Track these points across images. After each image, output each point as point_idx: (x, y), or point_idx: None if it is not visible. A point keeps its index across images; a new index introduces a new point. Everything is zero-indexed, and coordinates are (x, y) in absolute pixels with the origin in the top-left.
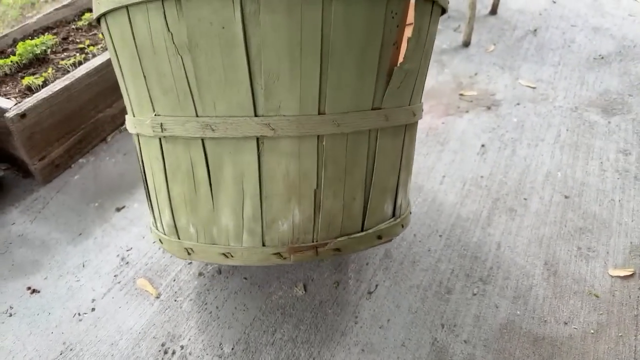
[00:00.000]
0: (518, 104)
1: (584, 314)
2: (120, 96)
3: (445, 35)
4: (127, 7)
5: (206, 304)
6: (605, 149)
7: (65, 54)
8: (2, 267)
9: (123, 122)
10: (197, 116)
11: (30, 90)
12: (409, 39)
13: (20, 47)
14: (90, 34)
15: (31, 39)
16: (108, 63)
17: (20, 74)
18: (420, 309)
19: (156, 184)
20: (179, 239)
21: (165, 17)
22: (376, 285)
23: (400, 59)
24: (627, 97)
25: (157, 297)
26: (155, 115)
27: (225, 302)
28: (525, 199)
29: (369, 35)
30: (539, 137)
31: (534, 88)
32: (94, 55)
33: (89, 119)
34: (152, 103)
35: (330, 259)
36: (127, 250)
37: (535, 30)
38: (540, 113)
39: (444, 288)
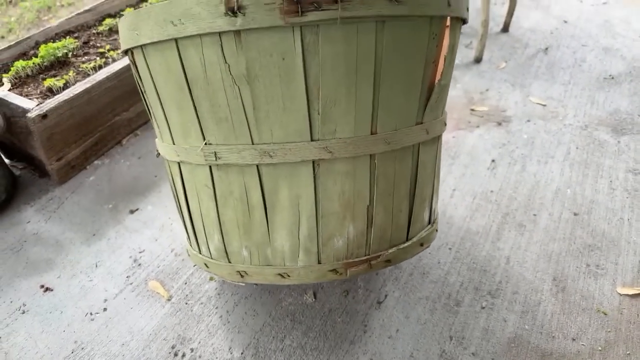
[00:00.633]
0: (528, 120)
1: (592, 331)
2: (138, 101)
3: (458, 52)
4: (176, 39)
5: (217, 307)
6: (615, 167)
7: (85, 57)
8: (17, 265)
9: (139, 126)
10: (252, 144)
11: (51, 91)
12: (445, 56)
13: (42, 50)
14: (111, 39)
15: (53, 42)
16: (127, 68)
17: (41, 75)
18: (429, 321)
19: (203, 209)
20: (230, 262)
21: (222, 50)
22: (385, 295)
23: (438, 76)
24: (637, 118)
25: (169, 300)
26: (206, 144)
27: (236, 306)
28: (534, 214)
29: (414, 56)
30: (548, 154)
31: (544, 105)
32: (113, 60)
33: (106, 122)
34: (202, 132)
35: (382, 269)
36: (140, 252)
37: (547, 48)
38: (550, 130)
39: (452, 300)
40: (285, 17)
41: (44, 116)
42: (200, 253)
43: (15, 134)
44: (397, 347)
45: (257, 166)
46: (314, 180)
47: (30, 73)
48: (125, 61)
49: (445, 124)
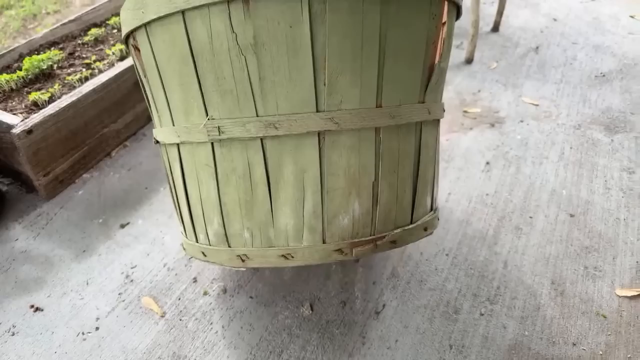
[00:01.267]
0: (521, 121)
1: (592, 335)
2: (126, 111)
3: None
4: (183, 11)
5: (212, 323)
6: (609, 167)
7: (71, 69)
8: (5, 285)
9: (128, 137)
10: (257, 116)
11: (36, 105)
12: (443, 39)
13: (26, 62)
14: (97, 49)
15: (37, 54)
16: (114, 79)
17: (26, 89)
18: (428, 330)
19: (202, 192)
20: (230, 246)
21: (230, 19)
22: (383, 305)
23: (437, 57)
24: (630, 115)
25: (162, 316)
26: (209, 119)
27: (231, 321)
28: (530, 217)
29: (416, 33)
30: (543, 154)
31: (537, 105)
32: (100, 71)
33: (94, 134)
34: (205, 107)
35: (387, 250)
36: (132, 268)
37: (537, 47)
38: (543, 130)
39: (451, 308)
40: None
41: (29, 131)
42: (198, 242)
43: (0, 149)
44: (396, 358)
45: (262, 140)
46: (319, 154)
47: (14, 87)
48: (112, 72)
49: (444, 110)
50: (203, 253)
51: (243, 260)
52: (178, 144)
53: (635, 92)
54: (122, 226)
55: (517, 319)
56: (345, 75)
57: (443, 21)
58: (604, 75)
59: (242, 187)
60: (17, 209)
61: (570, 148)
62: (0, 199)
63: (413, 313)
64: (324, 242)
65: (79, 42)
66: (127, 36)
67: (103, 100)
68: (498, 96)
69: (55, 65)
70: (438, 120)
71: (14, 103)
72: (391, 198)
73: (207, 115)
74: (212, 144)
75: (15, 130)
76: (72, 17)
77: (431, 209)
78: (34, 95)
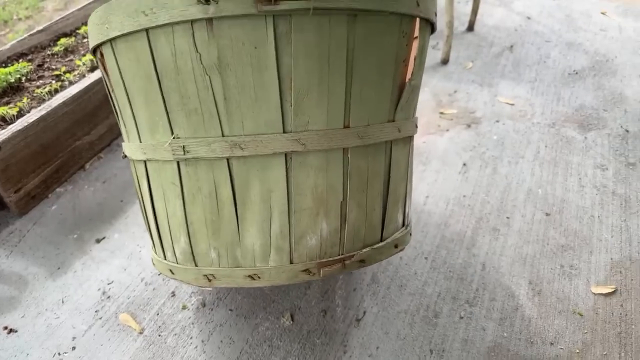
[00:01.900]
0: (497, 121)
1: (569, 334)
2: (99, 123)
3: None
4: (147, 30)
5: (191, 338)
6: (583, 164)
7: (40, 81)
8: None
9: (102, 149)
10: (223, 136)
11: (4, 120)
12: (415, 57)
13: None
14: (67, 59)
15: (5, 67)
16: (85, 91)
17: None
18: (409, 335)
19: (169, 210)
20: (197, 265)
21: (194, 38)
22: (364, 312)
23: (408, 75)
24: (602, 112)
25: (141, 333)
26: (174, 137)
27: (211, 335)
28: (507, 217)
29: (385, 52)
30: (518, 154)
31: (512, 105)
32: (70, 83)
33: (66, 148)
34: (170, 126)
35: (356, 269)
36: (109, 284)
37: (512, 46)
38: (519, 130)
39: (431, 312)
40: (258, 6)
41: None
42: (166, 259)
43: None
44: None
45: (228, 160)
46: (286, 174)
47: None
48: (82, 84)
49: (417, 126)
50: (171, 270)
51: (210, 280)
52: (145, 161)
53: (607, 88)
54: (98, 241)
55: (496, 320)
56: (311, 95)
57: (415, 36)
58: (576, 73)
59: (208, 207)
60: None
61: (545, 147)
62: None
63: (394, 319)
64: (291, 262)
65: (49, 52)
66: (94, 49)
67: (74, 113)
68: (474, 96)
69: (23, 78)
70: (410, 137)
71: None
72: (360, 217)
73: (172, 133)
74: (177, 162)
75: None
76: (40, 27)
77: (403, 225)
78: (1, 110)
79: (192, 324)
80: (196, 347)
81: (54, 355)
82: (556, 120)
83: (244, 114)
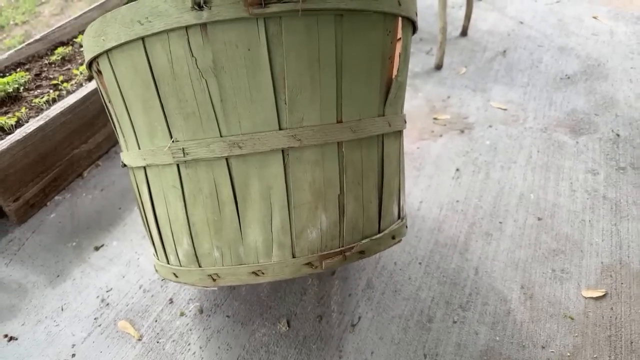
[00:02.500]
0: (490, 126)
1: (560, 337)
2: (97, 131)
3: (418, 59)
4: (143, 38)
5: (189, 344)
6: (575, 169)
7: (38, 91)
8: None
9: (99, 157)
10: (221, 136)
11: (3, 130)
12: (399, 54)
13: None
14: (64, 69)
15: (3, 76)
16: (83, 100)
17: None
18: (403, 340)
19: (171, 214)
20: (201, 266)
21: (189, 44)
22: (359, 317)
23: (394, 72)
24: (594, 117)
25: (139, 340)
26: (173, 141)
27: (209, 341)
28: (500, 222)
29: (372, 49)
30: (511, 159)
31: (505, 110)
32: (68, 92)
33: (64, 156)
34: (169, 130)
35: (356, 260)
36: (107, 291)
37: (505, 51)
38: (511, 135)
39: (425, 317)
40: (249, 9)
41: None
42: (169, 263)
43: None
44: None
45: (227, 159)
46: (284, 170)
47: None
48: (80, 93)
49: (405, 122)
50: (174, 274)
51: (214, 280)
52: (144, 167)
53: (598, 93)
54: (97, 248)
55: (489, 324)
56: (304, 93)
57: (398, 37)
58: (568, 77)
59: (209, 207)
60: None
61: (538, 151)
62: None
63: (388, 324)
64: (293, 256)
65: (46, 62)
66: (90, 62)
67: (72, 123)
68: (467, 102)
69: (21, 88)
70: (400, 132)
71: None
72: (357, 209)
73: (171, 137)
74: (177, 165)
75: None
76: (38, 37)
77: (399, 217)
78: (0, 120)
79: (190, 330)
80: (194, 353)
81: None
82: (548, 125)
83: (241, 113)
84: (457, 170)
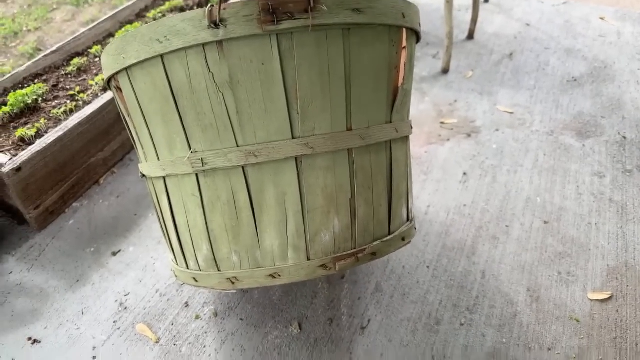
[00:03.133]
0: (497, 130)
1: (566, 339)
2: (112, 140)
3: (425, 63)
4: (162, 55)
5: (204, 346)
6: (581, 172)
7: (56, 101)
8: (2, 318)
9: (115, 164)
10: (238, 146)
11: (23, 141)
12: (405, 64)
13: (11, 98)
14: (80, 79)
15: (22, 88)
16: (99, 111)
17: (12, 124)
18: (412, 342)
19: (190, 221)
20: (220, 270)
21: (206, 60)
22: (369, 320)
23: (400, 81)
24: (600, 119)
25: (157, 342)
26: (192, 152)
27: (223, 344)
28: (507, 226)
29: (379, 60)
30: (518, 162)
31: (511, 113)
32: (84, 102)
33: (81, 165)
34: (188, 141)
35: (368, 262)
36: (125, 295)
37: (511, 54)
38: (518, 138)
39: (433, 319)
40: (263, 26)
41: (17, 169)
42: (188, 268)
43: None
44: None
45: (243, 168)
46: (297, 177)
47: (0, 122)
48: (97, 104)
49: (412, 127)
50: (194, 279)
51: (233, 283)
52: (164, 177)
53: (605, 95)
54: (114, 254)
55: (496, 327)
56: (316, 103)
57: (403, 46)
58: (575, 80)
59: (227, 214)
60: (9, 242)
61: (544, 155)
62: None
63: (397, 327)
64: (308, 259)
65: (62, 72)
66: (109, 79)
67: (89, 132)
68: (474, 105)
69: (39, 99)
70: (407, 137)
71: (1, 140)
72: (368, 212)
73: (190, 148)
74: (196, 174)
75: (4, 169)
76: (54, 48)
77: (408, 220)
78: (20, 132)
79: (205, 333)
80: (209, 355)
81: None
82: (555, 128)
83: (256, 124)
84: (464, 174)
